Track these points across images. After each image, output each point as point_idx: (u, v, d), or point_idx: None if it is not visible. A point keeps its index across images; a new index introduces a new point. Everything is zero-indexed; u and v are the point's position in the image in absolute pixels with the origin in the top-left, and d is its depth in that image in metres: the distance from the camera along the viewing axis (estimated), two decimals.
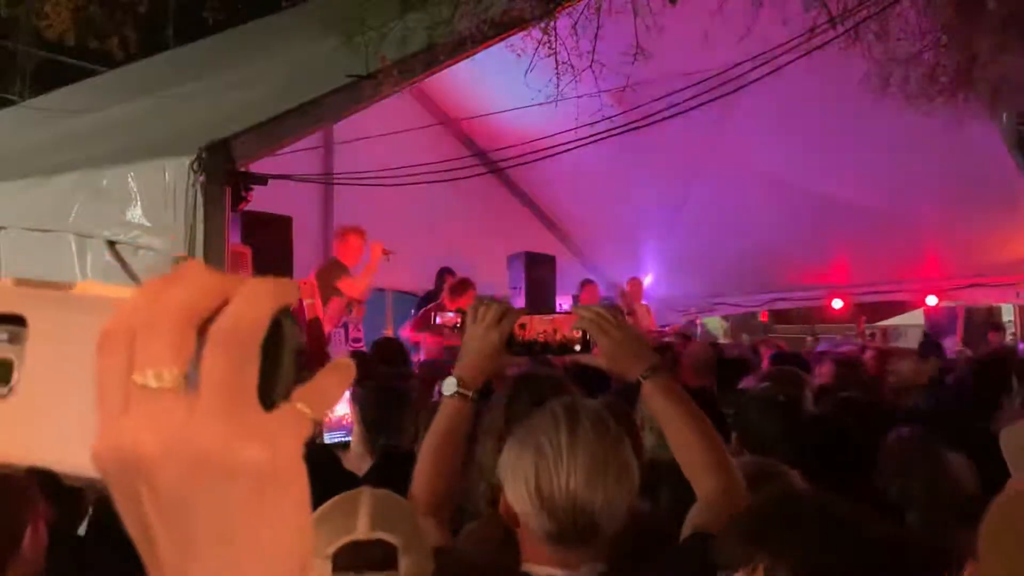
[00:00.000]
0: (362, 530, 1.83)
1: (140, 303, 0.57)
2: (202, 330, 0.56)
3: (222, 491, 0.55)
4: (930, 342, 8.88)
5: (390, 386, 3.43)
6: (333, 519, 1.88)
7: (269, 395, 0.57)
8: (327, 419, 2.98)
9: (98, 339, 0.57)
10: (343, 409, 3.08)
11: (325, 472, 2.03)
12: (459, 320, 8.88)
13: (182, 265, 0.59)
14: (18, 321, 0.60)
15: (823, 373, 6.22)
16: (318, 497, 1.93)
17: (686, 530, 2.22)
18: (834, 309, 12.88)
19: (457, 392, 2.34)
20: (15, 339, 0.60)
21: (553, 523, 1.91)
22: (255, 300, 0.57)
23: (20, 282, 0.61)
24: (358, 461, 3.08)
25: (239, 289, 0.57)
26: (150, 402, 0.55)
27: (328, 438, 3.04)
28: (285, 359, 0.59)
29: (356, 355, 6.46)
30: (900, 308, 14.08)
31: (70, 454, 0.58)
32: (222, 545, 0.56)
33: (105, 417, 0.56)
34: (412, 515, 1.89)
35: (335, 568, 1.81)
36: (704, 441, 2.24)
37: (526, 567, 1.99)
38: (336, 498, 1.93)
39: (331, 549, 1.83)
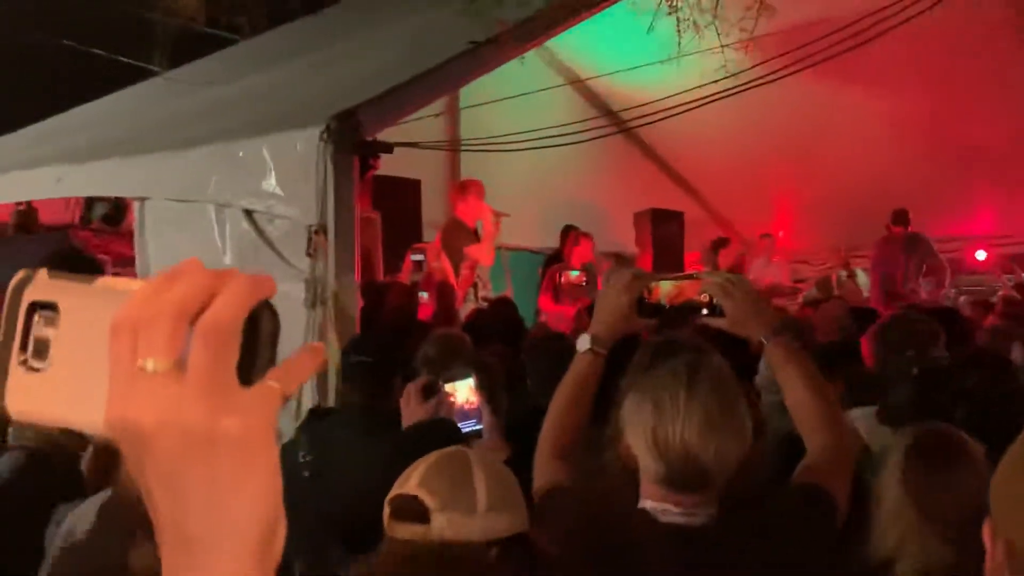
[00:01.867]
0: (411, 485, 2.00)
1: (145, 297, 0.69)
2: (194, 322, 0.68)
3: (207, 459, 0.68)
4: None
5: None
6: (404, 473, 2.07)
7: (247, 375, 0.70)
8: (456, 407, 3.20)
9: (111, 326, 0.69)
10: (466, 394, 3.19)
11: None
12: (584, 279, 8.91)
13: (182, 263, 0.71)
14: (52, 307, 0.73)
15: None
16: None
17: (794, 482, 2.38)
18: (977, 261, 12.28)
19: (591, 349, 2.54)
20: (50, 322, 0.73)
21: (666, 469, 2.10)
22: (235, 298, 0.69)
23: (53, 275, 0.74)
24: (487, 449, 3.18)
25: (225, 286, 0.69)
26: (148, 384, 0.68)
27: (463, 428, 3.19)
28: (260, 345, 0.71)
29: (480, 315, 6.58)
30: None
31: (93, 419, 0.71)
32: (210, 505, 0.68)
33: (114, 392, 0.69)
34: (466, 476, 2.00)
35: (390, 515, 2.02)
36: (817, 400, 2.41)
37: (643, 503, 2.18)
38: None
39: (390, 496, 2.03)
